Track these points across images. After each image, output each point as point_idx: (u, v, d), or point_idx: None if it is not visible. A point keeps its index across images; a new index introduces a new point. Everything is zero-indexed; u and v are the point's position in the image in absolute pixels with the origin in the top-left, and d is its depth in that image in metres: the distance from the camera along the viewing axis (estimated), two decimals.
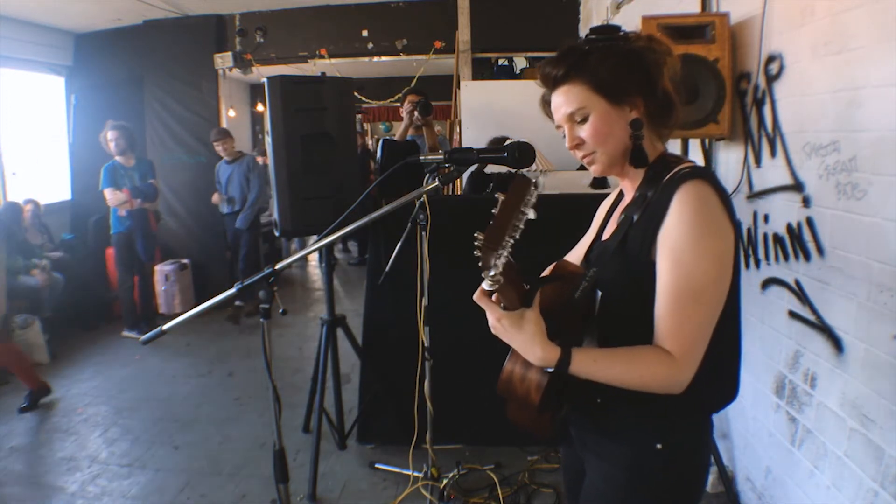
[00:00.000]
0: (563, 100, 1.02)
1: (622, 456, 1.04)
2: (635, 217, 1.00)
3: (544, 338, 0.92)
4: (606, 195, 1.26)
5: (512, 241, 0.78)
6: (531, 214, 0.81)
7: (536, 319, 0.92)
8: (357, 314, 2.98)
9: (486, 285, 0.80)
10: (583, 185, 2.90)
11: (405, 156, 1.28)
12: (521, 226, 0.78)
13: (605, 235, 1.12)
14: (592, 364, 0.93)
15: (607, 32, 1.02)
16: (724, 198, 0.95)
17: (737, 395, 1.04)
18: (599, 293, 1.05)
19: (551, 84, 1.04)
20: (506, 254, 0.78)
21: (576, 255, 1.25)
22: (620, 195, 1.18)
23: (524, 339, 0.92)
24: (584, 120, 1.01)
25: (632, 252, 0.98)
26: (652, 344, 0.94)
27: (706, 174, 0.96)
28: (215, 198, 5.20)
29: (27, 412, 3.34)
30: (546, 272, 1.12)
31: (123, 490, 2.58)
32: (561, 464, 1.31)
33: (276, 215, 2.57)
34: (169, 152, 5.67)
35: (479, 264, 0.79)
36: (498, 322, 0.93)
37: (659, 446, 1.00)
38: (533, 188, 0.81)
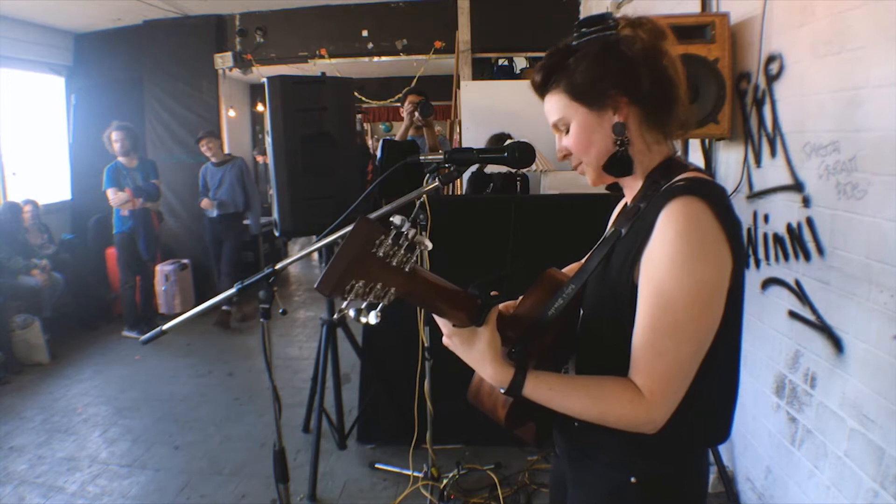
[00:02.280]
0: (547, 109, 0.96)
1: (597, 486, 0.98)
2: (623, 231, 0.91)
3: (496, 357, 0.87)
4: (609, 196, 1.18)
5: (366, 286, 0.74)
6: (429, 245, 0.79)
7: (489, 337, 0.87)
8: None
9: (371, 319, 0.78)
10: (583, 185, 2.89)
11: (405, 156, 1.28)
12: (398, 262, 0.75)
13: (602, 241, 1.02)
14: (548, 391, 0.86)
15: (594, 24, 0.91)
16: (725, 218, 0.82)
17: (728, 437, 0.96)
18: (582, 312, 0.98)
19: (537, 92, 0.97)
20: (364, 302, 0.76)
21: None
22: None
23: (474, 356, 0.88)
24: (569, 129, 0.94)
25: (614, 271, 0.89)
26: (626, 376, 0.85)
27: (704, 189, 0.84)
28: (205, 203, 4.88)
29: None
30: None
31: (123, 490, 2.58)
32: (550, 473, 1.25)
33: (276, 215, 2.57)
34: (169, 152, 5.67)
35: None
36: (448, 338, 0.89)
37: (633, 480, 0.92)
38: (384, 231, 0.75)
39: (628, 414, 0.84)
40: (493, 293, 0.90)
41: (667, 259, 0.81)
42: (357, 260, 0.73)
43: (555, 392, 0.87)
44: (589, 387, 0.88)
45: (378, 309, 0.77)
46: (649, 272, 0.83)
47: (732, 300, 0.85)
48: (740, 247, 0.85)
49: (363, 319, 0.77)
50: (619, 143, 0.91)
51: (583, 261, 1.19)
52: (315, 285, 0.76)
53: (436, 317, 0.89)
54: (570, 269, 1.20)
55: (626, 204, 1.07)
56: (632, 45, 0.88)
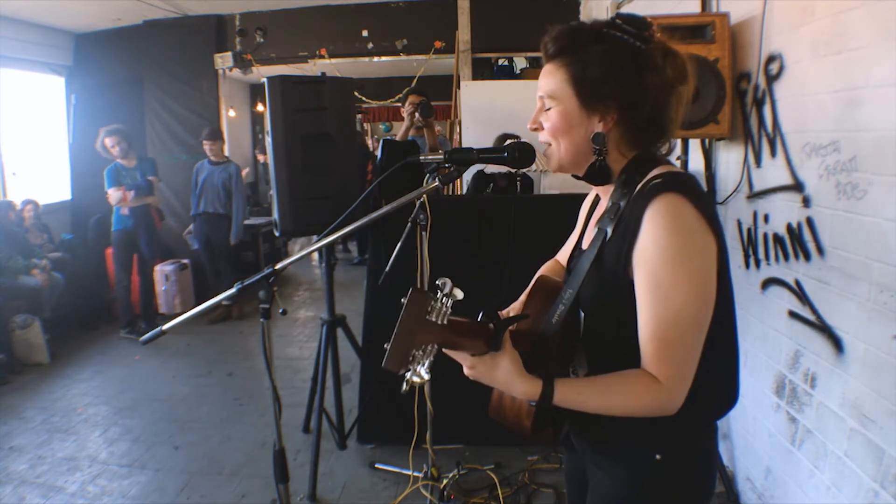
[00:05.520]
0: (543, 79, 0.96)
1: (622, 467, 1.00)
2: (609, 231, 0.94)
3: (522, 372, 0.90)
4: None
5: (422, 350, 0.80)
6: (459, 296, 0.82)
7: (510, 357, 0.90)
8: (357, 314, 2.98)
9: (425, 376, 0.83)
10: (582, 185, 2.89)
11: (405, 156, 1.28)
12: (441, 320, 0.80)
13: (585, 243, 1.04)
14: (577, 396, 0.90)
15: (635, 26, 0.92)
16: (703, 207, 0.87)
17: (736, 401, 1.01)
18: (583, 314, 1.00)
19: (544, 55, 0.97)
20: (418, 365, 0.81)
21: (565, 255, 1.21)
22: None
23: (503, 378, 0.90)
24: (551, 108, 0.95)
25: (608, 271, 0.93)
26: (639, 367, 0.90)
27: (680, 183, 0.89)
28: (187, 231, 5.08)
29: None
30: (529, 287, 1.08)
31: (123, 490, 2.57)
32: (564, 469, 1.28)
33: (276, 215, 2.57)
34: (169, 152, 5.67)
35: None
36: (472, 369, 0.91)
37: (658, 457, 0.96)
38: (434, 297, 0.80)
39: (651, 403, 0.89)
40: (500, 313, 0.93)
41: (659, 254, 0.86)
42: (417, 331, 0.78)
43: (582, 396, 0.91)
44: (611, 385, 0.91)
45: (427, 365, 0.82)
46: (644, 268, 0.87)
47: (721, 279, 0.90)
48: (720, 229, 0.90)
49: (416, 380, 0.83)
50: (597, 152, 0.95)
51: (559, 256, 1.24)
52: (383, 364, 0.82)
53: (451, 353, 0.91)
54: (548, 267, 1.23)
55: (596, 196, 1.12)
56: (653, 75, 0.91)
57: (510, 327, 0.91)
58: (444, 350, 0.89)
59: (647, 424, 0.93)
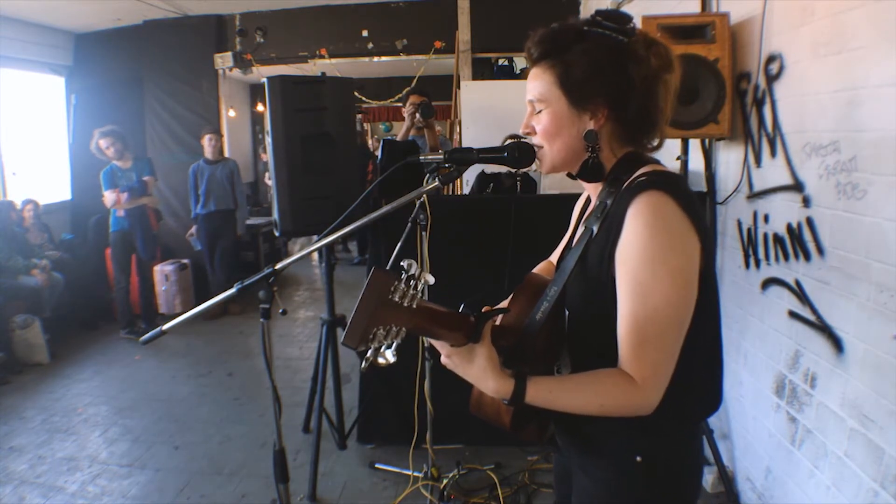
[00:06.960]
0: (530, 83, 0.97)
1: (603, 469, 1.00)
2: (594, 229, 0.94)
3: (496, 370, 0.88)
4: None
5: (384, 329, 0.79)
6: (431, 280, 0.83)
7: (486, 352, 0.88)
8: None
9: (390, 358, 0.83)
10: (582, 185, 2.89)
11: (406, 156, 1.27)
12: (407, 302, 0.79)
13: (574, 242, 1.03)
14: (549, 394, 0.89)
15: (614, 21, 0.91)
16: (687, 206, 0.86)
17: (720, 404, 1.01)
18: (567, 311, 1.00)
19: (528, 59, 0.97)
20: (382, 346, 0.81)
21: (557, 255, 1.21)
22: None
23: (475, 373, 0.89)
24: (541, 111, 0.96)
25: (592, 269, 0.92)
26: (617, 367, 0.89)
27: (664, 181, 0.88)
28: (191, 232, 5.22)
29: None
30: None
31: (123, 490, 2.58)
32: (553, 470, 1.28)
33: (276, 215, 2.57)
34: (169, 152, 5.67)
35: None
36: (448, 358, 0.90)
37: (639, 459, 0.96)
38: (398, 278, 0.79)
39: (626, 403, 0.88)
40: (484, 309, 0.92)
41: (639, 252, 0.85)
42: (378, 309, 0.77)
43: (555, 395, 0.90)
44: (585, 384, 0.90)
45: (393, 347, 0.81)
46: (624, 266, 0.87)
47: (705, 280, 0.89)
48: (705, 230, 0.89)
49: (381, 361, 0.81)
50: (590, 149, 0.95)
51: (552, 257, 1.24)
52: (341, 341, 0.81)
53: (432, 340, 0.91)
54: (541, 268, 1.23)
55: (588, 197, 1.12)
56: (638, 67, 0.90)
57: (491, 321, 0.90)
58: (425, 337, 0.89)
59: (628, 425, 0.92)
